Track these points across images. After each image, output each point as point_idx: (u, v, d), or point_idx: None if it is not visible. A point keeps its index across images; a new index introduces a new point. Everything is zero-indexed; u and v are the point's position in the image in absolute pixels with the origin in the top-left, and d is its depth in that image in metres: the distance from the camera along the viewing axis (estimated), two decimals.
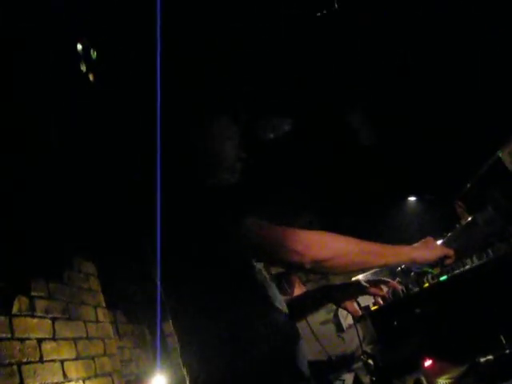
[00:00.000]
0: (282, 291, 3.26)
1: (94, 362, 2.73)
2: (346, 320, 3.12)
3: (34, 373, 2.22)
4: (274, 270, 2.57)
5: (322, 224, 4.01)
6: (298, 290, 3.25)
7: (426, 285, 1.76)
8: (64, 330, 2.57)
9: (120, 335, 3.50)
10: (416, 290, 1.71)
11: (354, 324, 2.16)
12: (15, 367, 2.11)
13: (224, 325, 1.17)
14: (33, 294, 2.44)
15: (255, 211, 1.33)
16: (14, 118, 2.34)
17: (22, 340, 2.22)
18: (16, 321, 2.24)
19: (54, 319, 2.52)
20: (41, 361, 2.29)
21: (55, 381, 2.33)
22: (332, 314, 3.28)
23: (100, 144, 2.83)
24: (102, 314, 3.06)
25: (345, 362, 3.11)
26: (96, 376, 2.68)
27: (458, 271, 1.75)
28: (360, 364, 3.04)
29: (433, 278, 1.77)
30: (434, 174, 2.90)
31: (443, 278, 1.72)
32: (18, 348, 2.18)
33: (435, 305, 1.61)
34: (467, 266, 1.75)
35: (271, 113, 3.52)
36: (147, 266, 1.37)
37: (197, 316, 1.22)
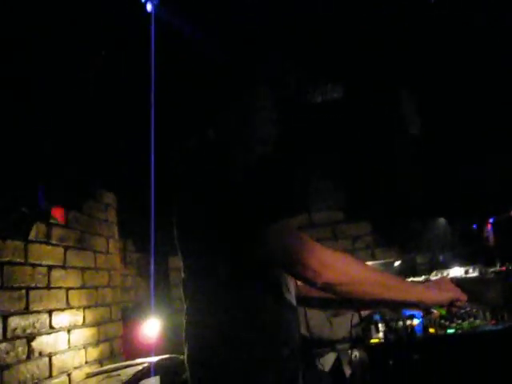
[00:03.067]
0: None
1: (97, 292, 2.85)
2: None
3: (40, 298, 2.32)
4: None
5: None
6: None
7: (432, 331, 1.73)
8: (74, 259, 2.65)
9: (126, 263, 3.62)
10: (420, 336, 1.69)
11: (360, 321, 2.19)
12: (23, 291, 2.21)
13: (228, 314, 1.19)
14: (51, 221, 2.49)
15: (288, 210, 1.31)
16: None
17: (33, 266, 2.31)
18: (31, 247, 2.31)
19: (66, 248, 2.59)
20: (48, 287, 2.39)
21: (58, 307, 2.45)
22: None
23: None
24: (113, 245, 3.15)
25: (328, 343, 3.20)
26: (96, 306, 2.81)
27: (467, 329, 1.71)
28: (345, 346, 3.13)
29: (440, 326, 1.75)
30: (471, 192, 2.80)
31: (451, 330, 1.69)
32: (29, 273, 2.27)
33: (436, 356, 1.59)
34: (477, 321, 1.72)
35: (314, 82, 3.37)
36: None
37: (204, 296, 1.23)
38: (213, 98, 1.42)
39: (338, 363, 3.22)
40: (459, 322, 1.76)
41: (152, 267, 3.92)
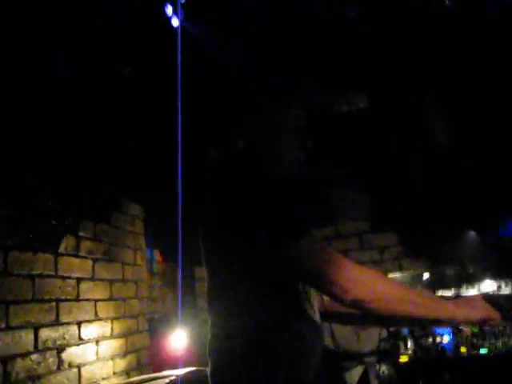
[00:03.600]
0: None
1: (125, 303, 2.88)
2: None
3: (70, 310, 2.37)
4: None
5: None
6: None
7: (464, 350, 1.69)
8: (102, 271, 2.69)
9: (153, 274, 3.65)
10: (451, 355, 1.64)
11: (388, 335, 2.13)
12: (53, 303, 2.25)
13: (252, 323, 1.17)
14: (80, 234, 2.54)
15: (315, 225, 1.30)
16: None
17: (63, 278, 2.35)
18: (61, 259, 2.35)
19: (95, 260, 2.64)
20: (77, 299, 2.43)
21: (87, 319, 2.48)
22: None
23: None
24: (140, 257, 3.18)
25: (355, 356, 3.14)
26: (124, 317, 2.84)
27: (501, 348, 1.65)
28: (373, 359, 3.07)
29: (472, 345, 1.70)
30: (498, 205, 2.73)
31: (484, 350, 1.64)
32: (58, 286, 2.31)
33: (467, 377, 1.55)
34: None
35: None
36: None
37: (228, 300, 1.22)
38: (241, 109, 1.42)
39: (365, 376, 3.17)
40: (492, 341, 1.71)
41: (179, 278, 3.94)
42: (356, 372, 3.19)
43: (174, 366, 2.81)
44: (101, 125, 2.77)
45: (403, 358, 1.67)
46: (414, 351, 1.74)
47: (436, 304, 1.25)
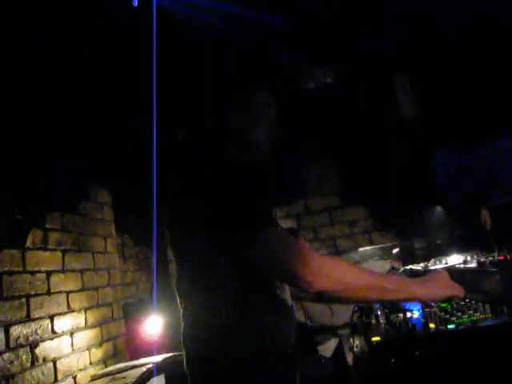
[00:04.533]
0: None
1: (97, 292, 2.85)
2: None
3: (41, 305, 2.32)
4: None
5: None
6: None
7: (432, 326, 1.74)
8: (73, 261, 2.64)
9: (125, 258, 3.62)
10: (421, 331, 1.70)
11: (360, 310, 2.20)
12: (24, 300, 2.21)
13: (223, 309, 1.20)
14: (47, 226, 2.47)
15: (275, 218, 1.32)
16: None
17: (32, 273, 2.30)
18: (29, 254, 2.29)
19: (64, 251, 2.58)
20: (48, 293, 2.39)
21: (59, 311, 2.45)
22: None
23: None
24: (110, 244, 3.14)
25: (329, 329, 3.23)
26: (97, 306, 2.82)
27: (467, 322, 1.71)
28: (346, 331, 3.16)
29: (441, 321, 1.76)
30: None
31: (451, 326, 1.70)
32: (28, 281, 2.26)
33: (437, 352, 1.61)
34: (477, 315, 1.73)
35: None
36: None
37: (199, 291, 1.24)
38: (215, 95, 1.40)
39: (339, 348, 3.27)
40: (459, 314, 1.77)
41: (154, 261, 3.92)
42: (330, 344, 3.28)
43: (151, 352, 2.82)
44: (64, 108, 2.67)
45: (376, 338, 1.72)
46: (386, 328, 1.79)
47: (402, 286, 1.27)
